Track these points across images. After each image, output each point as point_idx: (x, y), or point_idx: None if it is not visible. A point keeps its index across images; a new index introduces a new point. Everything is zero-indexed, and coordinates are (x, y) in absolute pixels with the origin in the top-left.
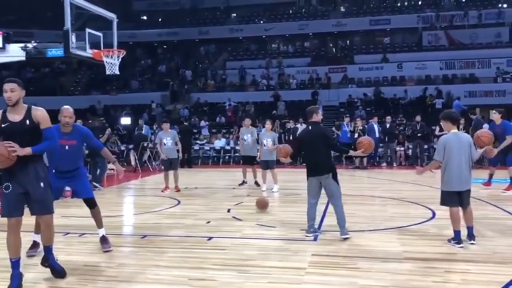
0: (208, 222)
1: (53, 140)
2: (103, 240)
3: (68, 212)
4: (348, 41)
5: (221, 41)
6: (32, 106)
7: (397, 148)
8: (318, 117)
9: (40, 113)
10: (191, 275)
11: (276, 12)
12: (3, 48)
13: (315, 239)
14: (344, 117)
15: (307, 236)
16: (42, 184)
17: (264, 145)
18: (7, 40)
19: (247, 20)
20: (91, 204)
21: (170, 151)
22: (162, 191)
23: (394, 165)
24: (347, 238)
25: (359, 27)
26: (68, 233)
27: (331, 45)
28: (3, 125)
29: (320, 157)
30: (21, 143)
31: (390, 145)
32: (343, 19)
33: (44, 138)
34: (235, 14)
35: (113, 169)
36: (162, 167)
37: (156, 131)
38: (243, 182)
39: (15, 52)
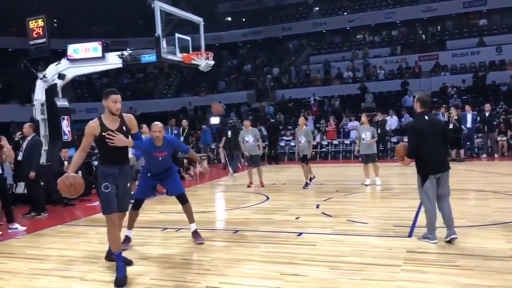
0: (298, 217)
1: (142, 140)
2: (195, 233)
3: (166, 208)
4: (439, 27)
5: (305, 36)
6: (123, 114)
7: (499, 138)
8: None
9: (131, 119)
10: (283, 270)
11: (360, 2)
12: (103, 57)
13: (409, 235)
14: (441, 107)
15: (432, 242)
16: (128, 184)
17: (363, 139)
18: (106, 49)
19: (330, 12)
20: (183, 200)
21: (251, 148)
22: (248, 187)
23: (496, 156)
24: (455, 238)
25: (451, 11)
26: (165, 228)
27: (420, 32)
28: (103, 133)
29: (442, 152)
30: (118, 148)
31: (490, 135)
32: (433, 4)
33: (134, 138)
34: (318, 8)
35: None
36: (246, 164)
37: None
38: (311, 179)
39: (113, 60)
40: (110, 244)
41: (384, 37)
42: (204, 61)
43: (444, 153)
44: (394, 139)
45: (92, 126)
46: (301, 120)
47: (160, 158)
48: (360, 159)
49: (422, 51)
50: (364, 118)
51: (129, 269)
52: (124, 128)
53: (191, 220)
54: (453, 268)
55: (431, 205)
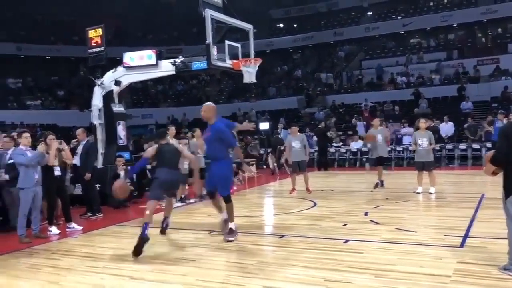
0: (345, 224)
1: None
2: (230, 231)
3: (214, 212)
4: (500, 29)
5: (357, 41)
6: None
7: None
8: None
9: None
10: (327, 276)
11: (415, 5)
12: (156, 64)
13: (461, 246)
14: (498, 114)
15: (508, 273)
16: None
17: (419, 145)
18: (160, 57)
19: (384, 17)
20: (225, 200)
21: (298, 154)
22: (290, 193)
23: None
24: None
25: None
26: (213, 231)
27: (479, 35)
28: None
29: None
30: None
31: None
32: (493, 6)
33: None
34: (371, 13)
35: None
36: (290, 170)
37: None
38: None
39: (166, 67)
40: None
41: (440, 41)
42: (253, 68)
43: None
44: (449, 146)
45: None
46: (375, 121)
47: (205, 138)
48: (415, 166)
49: (481, 55)
50: (422, 123)
51: (175, 269)
52: None
53: (231, 220)
54: (506, 281)
55: None
